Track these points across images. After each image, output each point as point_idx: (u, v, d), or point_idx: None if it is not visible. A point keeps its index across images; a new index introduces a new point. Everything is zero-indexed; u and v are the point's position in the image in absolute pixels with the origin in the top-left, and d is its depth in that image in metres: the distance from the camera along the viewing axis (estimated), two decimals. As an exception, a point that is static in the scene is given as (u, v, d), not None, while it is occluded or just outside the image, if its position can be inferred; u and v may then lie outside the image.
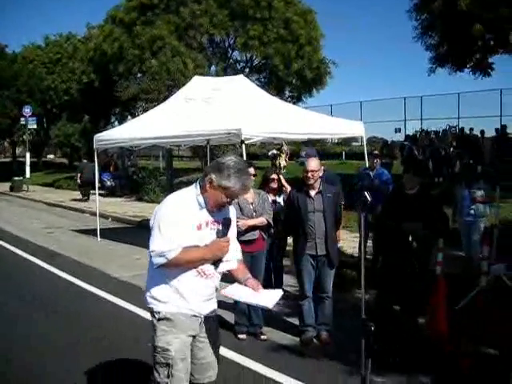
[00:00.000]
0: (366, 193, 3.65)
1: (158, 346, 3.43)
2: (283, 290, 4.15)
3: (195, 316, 3.47)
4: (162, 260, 3.26)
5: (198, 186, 3.41)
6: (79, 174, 22.96)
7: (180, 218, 3.29)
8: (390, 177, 9.81)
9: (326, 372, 5.27)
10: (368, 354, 2.97)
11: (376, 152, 10.65)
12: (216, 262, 3.44)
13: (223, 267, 3.52)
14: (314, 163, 5.98)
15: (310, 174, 5.89)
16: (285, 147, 11.82)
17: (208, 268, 3.43)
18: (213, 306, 3.61)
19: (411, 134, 27.38)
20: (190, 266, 3.36)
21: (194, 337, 3.51)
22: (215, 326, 3.70)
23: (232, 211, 3.62)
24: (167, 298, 3.42)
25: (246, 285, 3.56)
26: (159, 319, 3.43)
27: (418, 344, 5.52)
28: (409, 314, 5.87)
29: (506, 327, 5.56)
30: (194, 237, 3.33)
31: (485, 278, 7.04)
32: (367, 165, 10.46)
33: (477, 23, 14.44)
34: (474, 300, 6.83)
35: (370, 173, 9.70)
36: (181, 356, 3.41)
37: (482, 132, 23.08)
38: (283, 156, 11.56)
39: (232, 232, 3.55)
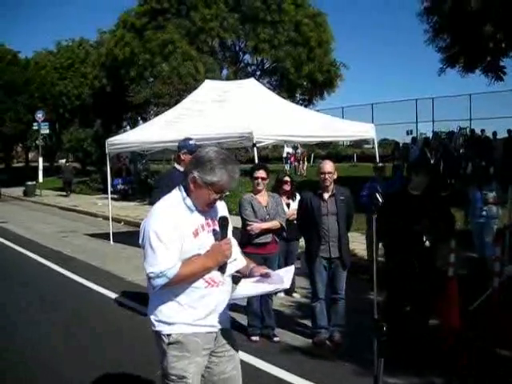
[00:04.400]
0: (377, 195, 3.65)
1: (171, 374, 3.00)
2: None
3: (210, 332, 3.08)
4: (162, 281, 2.87)
5: (182, 188, 3.04)
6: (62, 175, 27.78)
7: (172, 229, 2.90)
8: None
9: (338, 373, 5.28)
10: (380, 354, 2.97)
11: (380, 165, 10.28)
12: (222, 267, 3.04)
13: (230, 269, 3.13)
14: (329, 165, 5.95)
15: (327, 176, 5.87)
16: (300, 150, 11.83)
17: (217, 275, 3.04)
18: (227, 315, 3.22)
19: (417, 136, 27.05)
20: (194, 278, 2.97)
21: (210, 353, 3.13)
22: (231, 337, 3.25)
23: (222, 206, 3.22)
24: (176, 318, 3.00)
25: (252, 275, 3.15)
26: (169, 343, 3.00)
27: (428, 345, 5.52)
28: (419, 315, 5.84)
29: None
30: (193, 245, 2.95)
31: (497, 278, 7.01)
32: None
33: (488, 24, 14.37)
34: (488, 301, 6.82)
35: (377, 186, 9.49)
36: (198, 381, 3.06)
37: (495, 133, 22.89)
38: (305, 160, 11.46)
39: (230, 229, 3.16)
